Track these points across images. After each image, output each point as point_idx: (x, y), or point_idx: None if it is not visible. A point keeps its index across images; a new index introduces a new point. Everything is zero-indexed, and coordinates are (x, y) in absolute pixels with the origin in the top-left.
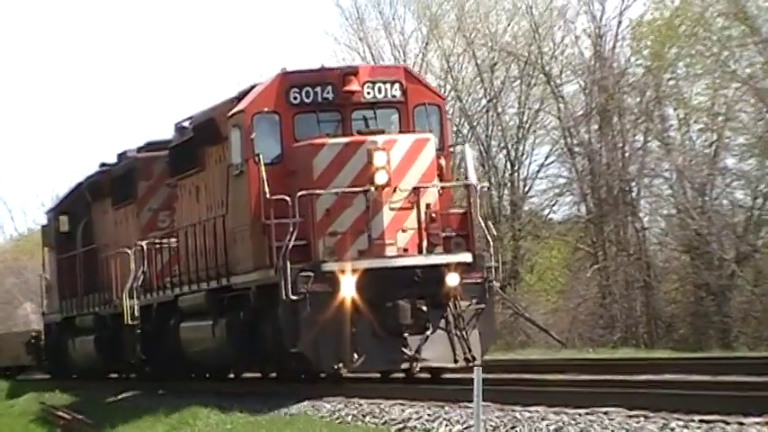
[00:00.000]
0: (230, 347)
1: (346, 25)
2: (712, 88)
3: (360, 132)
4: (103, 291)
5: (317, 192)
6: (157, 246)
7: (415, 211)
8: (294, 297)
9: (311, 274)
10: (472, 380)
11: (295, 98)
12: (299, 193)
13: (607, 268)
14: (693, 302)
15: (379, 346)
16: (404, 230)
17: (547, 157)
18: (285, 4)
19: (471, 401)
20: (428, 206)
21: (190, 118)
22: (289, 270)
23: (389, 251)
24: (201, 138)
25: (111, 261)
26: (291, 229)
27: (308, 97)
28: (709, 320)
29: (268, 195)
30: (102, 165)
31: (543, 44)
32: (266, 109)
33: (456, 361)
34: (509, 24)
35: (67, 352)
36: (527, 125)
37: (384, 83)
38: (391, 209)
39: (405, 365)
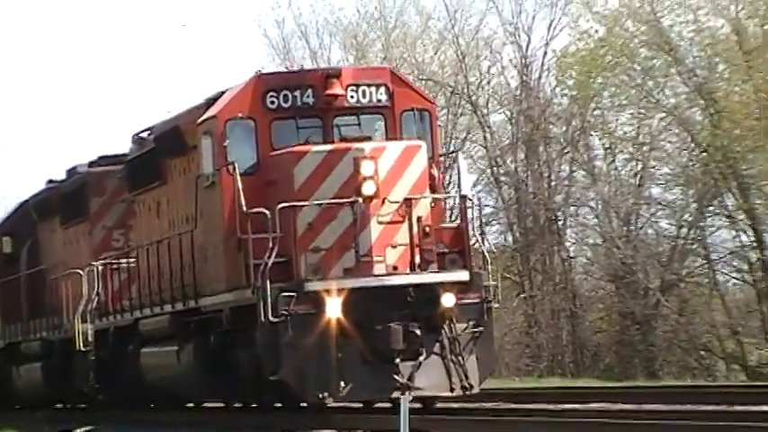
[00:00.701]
0: (198, 375)
1: (273, 55)
2: (637, 118)
3: (345, 139)
4: (52, 315)
5: (299, 204)
6: (114, 266)
7: (405, 225)
8: (274, 319)
9: (293, 294)
10: (469, 410)
11: (272, 103)
12: (280, 206)
13: (533, 297)
14: (619, 331)
15: (369, 373)
16: (393, 246)
17: (473, 186)
18: (212, 34)
19: None
20: (419, 219)
21: (150, 128)
22: (269, 289)
23: (378, 269)
24: (164, 149)
25: (60, 283)
26: (271, 245)
27: (286, 102)
28: (635, 349)
29: (244, 208)
30: (50, 182)
31: (470, 74)
32: (240, 114)
33: (452, 389)
34: (435, 53)
35: (11, 381)
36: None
37: (369, 86)
38: (380, 222)
39: (396, 394)
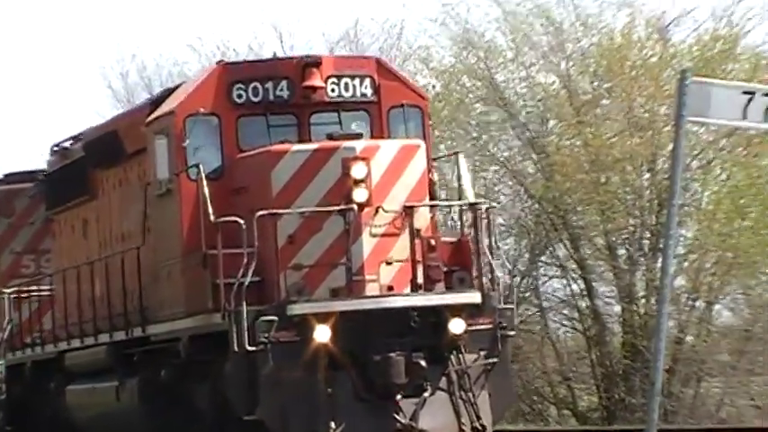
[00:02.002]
0: (145, 415)
1: (119, 107)
2: (472, 170)
3: (331, 137)
4: None
5: (280, 212)
6: (28, 294)
7: (403, 237)
8: (252, 348)
9: (274, 318)
10: None
11: (239, 96)
12: (259, 213)
13: None
14: None
15: (364, 412)
16: (388, 263)
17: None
18: (57, 85)
19: None
20: (418, 232)
21: (74, 137)
22: (245, 313)
23: (370, 289)
24: (95, 158)
25: None
26: (246, 261)
27: (255, 95)
28: None
29: (212, 217)
30: None
31: None
32: (202, 110)
33: (462, 431)
34: None
35: None
36: None
37: (352, 78)
38: (372, 235)
39: None
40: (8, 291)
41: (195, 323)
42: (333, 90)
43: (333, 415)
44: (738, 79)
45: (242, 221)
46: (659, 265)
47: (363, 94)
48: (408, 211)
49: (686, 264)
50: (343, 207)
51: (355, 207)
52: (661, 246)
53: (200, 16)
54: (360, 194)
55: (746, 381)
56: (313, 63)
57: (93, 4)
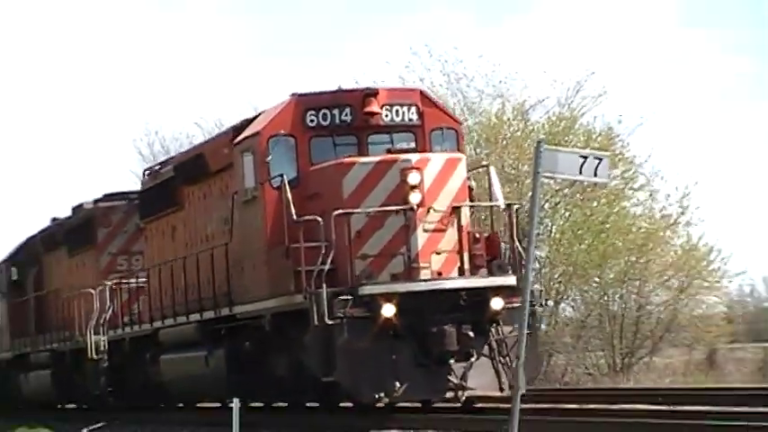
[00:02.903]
0: (229, 377)
1: (146, 164)
2: None
3: (389, 151)
4: (62, 329)
5: (353, 211)
6: (127, 284)
7: (449, 232)
8: (330, 322)
9: (349, 297)
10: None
11: (312, 121)
12: (336, 212)
13: None
14: None
15: (423, 374)
16: (438, 253)
17: None
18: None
19: None
20: (460, 228)
21: (162, 162)
22: (324, 294)
23: (424, 274)
24: (183, 176)
25: (72, 301)
26: (324, 252)
27: (324, 120)
28: None
29: (295, 217)
30: (54, 219)
31: None
32: (282, 131)
33: (502, 389)
34: None
35: (19, 386)
36: None
37: (402, 106)
38: (425, 230)
39: (449, 394)
40: (109, 282)
41: (278, 303)
42: (386, 115)
43: (396, 377)
44: (576, 147)
45: (320, 219)
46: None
47: (410, 119)
48: (455, 210)
49: (541, 274)
50: (401, 207)
51: (413, 207)
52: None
53: (203, 101)
54: (415, 197)
55: (583, 356)
56: (371, 93)
57: (129, 92)
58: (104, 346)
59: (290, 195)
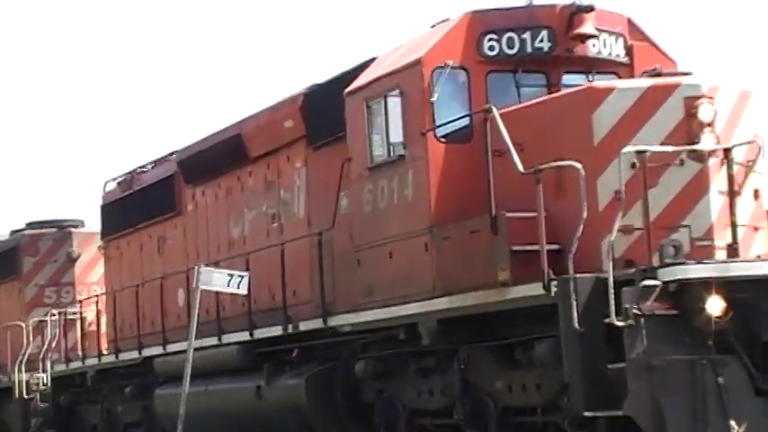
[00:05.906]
0: (318, 410)
1: None
2: None
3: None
4: None
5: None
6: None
7: (745, 195)
8: (620, 323)
9: (658, 283)
10: None
11: (491, 48)
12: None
13: None
14: None
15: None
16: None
17: None
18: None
19: None
20: (756, 192)
21: (136, 170)
22: (611, 276)
23: (719, 256)
24: (188, 175)
25: None
26: (580, 221)
27: (510, 47)
28: None
29: (521, 168)
30: None
31: None
32: (452, 62)
33: None
34: None
35: None
36: None
37: (610, 35)
38: (720, 192)
39: None
40: (56, 312)
41: (476, 300)
42: (594, 45)
43: (726, 411)
44: None
45: (576, 167)
46: None
47: (617, 55)
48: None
49: None
50: (696, 148)
51: (706, 154)
52: None
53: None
54: (708, 141)
55: None
56: (584, 9)
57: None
58: (43, 384)
59: (507, 136)
